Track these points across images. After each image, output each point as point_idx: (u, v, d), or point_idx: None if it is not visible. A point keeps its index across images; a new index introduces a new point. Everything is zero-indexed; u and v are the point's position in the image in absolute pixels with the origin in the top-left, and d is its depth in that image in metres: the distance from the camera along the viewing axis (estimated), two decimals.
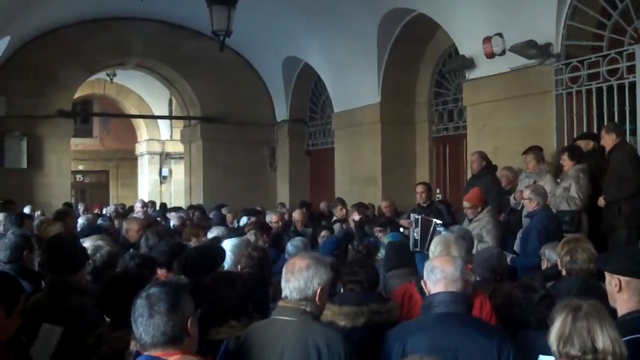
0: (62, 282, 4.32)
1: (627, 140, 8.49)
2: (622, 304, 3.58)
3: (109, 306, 3.86)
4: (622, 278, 3.59)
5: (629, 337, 2.99)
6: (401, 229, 9.17)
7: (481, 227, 7.86)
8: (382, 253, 7.17)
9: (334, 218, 11.22)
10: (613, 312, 3.50)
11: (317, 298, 3.54)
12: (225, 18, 11.28)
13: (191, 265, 5.08)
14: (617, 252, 4.47)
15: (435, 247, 4.89)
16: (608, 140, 8.13)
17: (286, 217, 11.78)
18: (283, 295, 3.58)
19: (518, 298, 4.35)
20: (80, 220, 11.07)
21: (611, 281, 3.64)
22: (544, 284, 4.56)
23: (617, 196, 8.00)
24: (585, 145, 8.83)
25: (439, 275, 3.66)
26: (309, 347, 3.40)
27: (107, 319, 3.86)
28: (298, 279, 3.53)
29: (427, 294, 3.74)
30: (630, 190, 7.90)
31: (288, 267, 3.61)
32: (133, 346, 3.22)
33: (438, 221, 8.59)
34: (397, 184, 13.59)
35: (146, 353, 2.82)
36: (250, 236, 7.48)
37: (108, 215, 15.21)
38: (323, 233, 9.15)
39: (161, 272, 5.32)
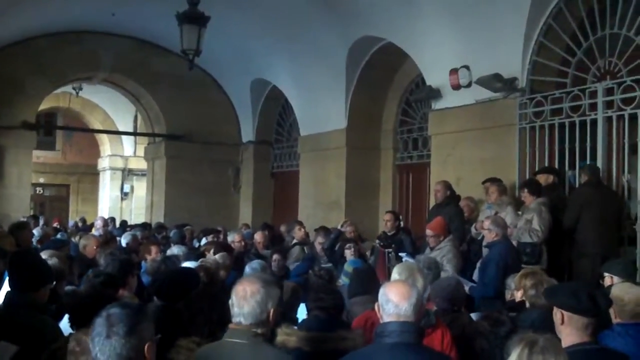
0: (22, 299, 4.24)
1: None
2: (565, 337, 3.70)
3: (79, 322, 3.84)
4: (565, 312, 3.71)
5: None
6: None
7: (442, 255, 7.92)
8: (342, 279, 7.18)
9: (294, 240, 11.19)
10: None
11: (270, 319, 3.57)
12: (195, 37, 11.28)
13: (165, 289, 5.03)
14: (564, 286, 4.57)
15: (399, 275, 4.88)
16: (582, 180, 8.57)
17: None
18: (236, 321, 3.56)
19: (485, 330, 4.37)
20: (36, 233, 10.94)
21: (556, 313, 3.77)
22: (511, 318, 4.60)
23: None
24: (545, 179, 8.98)
25: (392, 310, 3.64)
26: None
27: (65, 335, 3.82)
28: (252, 304, 3.52)
29: (381, 320, 3.74)
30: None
31: (239, 294, 3.58)
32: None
33: (389, 250, 8.67)
34: (361, 209, 13.67)
35: None
36: (218, 258, 7.37)
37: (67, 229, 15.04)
38: (275, 256, 9.10)
39: None
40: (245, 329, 3.52)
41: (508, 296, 5.96)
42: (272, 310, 3.57)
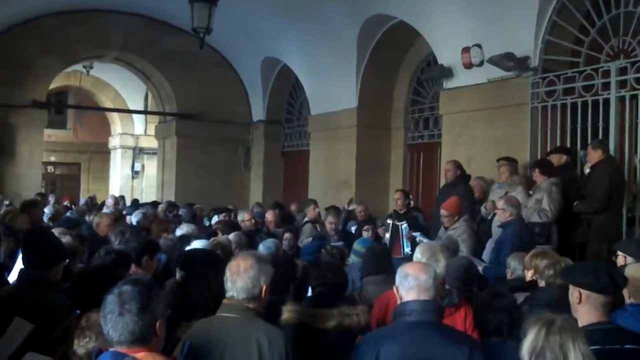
0: (35, 277, 4.26)
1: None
2: (582, 315, 3.67)
3: (81, 299, 3.85)
4: (583, 291, 3.68)
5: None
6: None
7: (457, 235, 7.90)
8: (352, 258, 7.18)
9: (305, 219, 11.18)
10: None
11: (263, 295, 3.63)
12: (206, 15, 11.27)
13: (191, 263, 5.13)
14: (582, 265, 4.55)
15: (422, 255, 4.87)
16: (594, 156, 8.27)
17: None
18: (229, 295, 3.63)
19: (485, 303, 4.39)
20: (46, 211, 10.99)
21: (573, 292, 3.74)
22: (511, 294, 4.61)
23: (581, 210, 8.29)
24: (558, 159, 8.93)
25: (412, 282, 3.66)
26: (250, 343, 3.44)
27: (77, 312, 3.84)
28: (245, 279, 3.59)
29: (399, 300, 3.75)
30: (594, 207, 8.12)
31: (232, 269, 3.65)
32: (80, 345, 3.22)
33: (404, 224, 8.65)
34: (371, 189, 13.66)
35: (111, 349, 2.81)
36: (232, 237, 7.41)
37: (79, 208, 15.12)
38: (287, 235, 9.10)
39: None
40: (238, 303, 3.58)
41: (508, 275, 5.94)
42: (264, 286, 3.63)
